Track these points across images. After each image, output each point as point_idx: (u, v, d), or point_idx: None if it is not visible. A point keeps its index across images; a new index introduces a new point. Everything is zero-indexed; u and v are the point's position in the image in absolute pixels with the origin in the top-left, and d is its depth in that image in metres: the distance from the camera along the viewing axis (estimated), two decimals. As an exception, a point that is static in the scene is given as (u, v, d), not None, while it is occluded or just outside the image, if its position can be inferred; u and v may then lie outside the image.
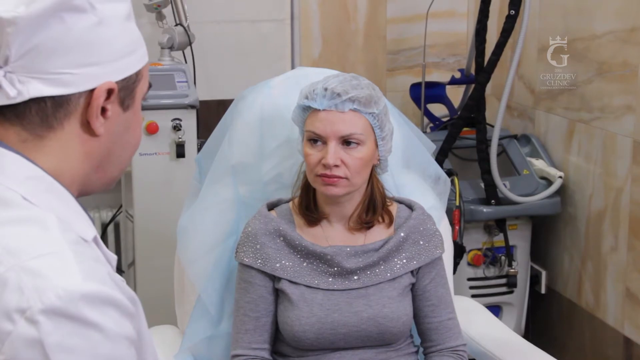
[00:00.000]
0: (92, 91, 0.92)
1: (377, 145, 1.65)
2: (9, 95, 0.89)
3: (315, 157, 1.61)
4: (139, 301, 0.91)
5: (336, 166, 1.59)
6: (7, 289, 0.81)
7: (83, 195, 0.99)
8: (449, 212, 2.46)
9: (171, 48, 2.67)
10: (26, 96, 0.89)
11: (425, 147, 1.99)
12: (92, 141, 0.95)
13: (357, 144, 1.61)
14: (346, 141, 1.60)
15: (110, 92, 0.93)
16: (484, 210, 2.64)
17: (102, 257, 0.93)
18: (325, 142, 1.61)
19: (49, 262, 0.83)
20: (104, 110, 0.94)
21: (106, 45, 0.93)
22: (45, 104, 0.90)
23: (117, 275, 0.90)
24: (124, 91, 0.96)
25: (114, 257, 0.98)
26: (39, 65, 0.89)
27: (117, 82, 0.94)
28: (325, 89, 1.60)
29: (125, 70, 0.95)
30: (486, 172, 2.63)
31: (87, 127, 0.93)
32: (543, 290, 2.84)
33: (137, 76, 0.97)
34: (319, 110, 1.61)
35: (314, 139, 1.62)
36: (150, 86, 1.02)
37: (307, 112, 1.65)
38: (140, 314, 0.92)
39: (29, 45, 0.88)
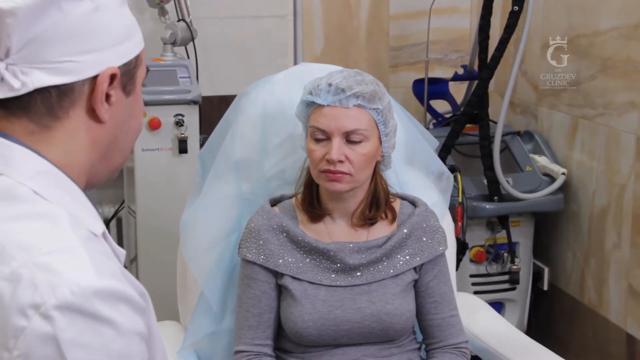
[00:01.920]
0: (95, 78, 0.92)
1: (380, 142, 1.65)
2: (13, 87, 0.89)
3: (319, 153, 1.61)
4: (149, 296, 0.92)
5: (340, 162, 1.59)
6: (20, 285, 0.81)
7: (89, 187, 0.99)
8: (452, 208, 2.45)
9: (174, 44, 2.67)
10: (30, 87, 0.89)
11: (428, 143, 1.99)
12: (98, 128, 0.95)
13: (361, 139, 1.60)
14: (350, 137, 1.60)
15: (113, 77, 0.93)
16: (487, 206, 2.64)
17: (112, 253, 0.93)
18: (329, 138, 1.61)
19: (62, 258, 0.83)
20: (108, 97, 0.94)
21: (105, 31, 0.93)
22: (50, 94, 0.90)
23: (127, 271, 0.90)
24: (126, 76, 0.96)
25: (122, 252, 0.98)
26: (40, 55, 0.89)
27: (118, 67, 0.94)
28: (330, 85, 1.60)
29: (125, 55, 0.95)
30: (489, 169, 2.62)
31: (93, 114, 0.94)
32: (545, 287, 2.84)
33: (136, 61, 0.98)
34: (323, 105, 1.61)
35: (318, 135, 1.62)
36: (147, 70, 1.02)
37: (310, 108, 1.64)
38: (150, 309, 0.92)
39: (30, 35, 0.88)
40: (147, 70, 1.02)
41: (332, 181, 1.61)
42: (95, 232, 0.91)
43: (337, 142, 1.59)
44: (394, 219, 1.72)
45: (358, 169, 1.61)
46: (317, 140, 1.62)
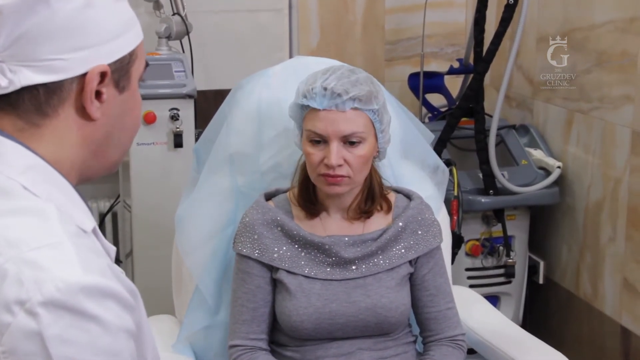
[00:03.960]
0: (84, 76, 0.91)
1: (376, 138, 1.64)
2: (1, 85, 0.88)
3: (317, 157, 1.60)
4: (139, 293, 0.91)
5: (339, 166, 1.58)
6: (6, 281, 0.80)
7: (84, 181, 0.98)
8: (447, 202, 2.46)
9: (168, 37, 2.66)
10: (17, 85, 0.88)
11: (423, 137, 1.99)
12: (89, 126, 0.93)
13: (359, 142, 1.60)
14: (348, 140, 1.59)
15: (103, 75, 0.92)
16: (482, 200, 2.64)
17: (101, 249, 0.92)
18: (326, 142, 1.59)
19: (49, 254, 0.82)
20: (99, 94, 0.92)
21: (95, 28, 0.91)
22: (38, 92, 0.89)
23: (117, 267, 0.89)
24: (118, 73, 0.94)
25: (112, 249, 0.97)
26: (28, 52, 0.88)
27: (109, 65, 0.92)
28: (325, 89, 1.58)
29: (117, 52, 0.94)
30: (484, 162, 2.63)
31: (83, 112, 0.92)
32: (541, 281, 2.84)
33: (130, 57, 0.96)
34: (319, 109, 1.59)
35: (315, 139, 1.60)
36: (147, 65, 1.00)
37: (305, 110, 1.63)
38: (140, 306, 0.91)
39: (17, 33, 0.87)
40: (147, 64, 1.00)
41: (332, 185, 1.60)
42: (84, 229, 0.90)
43: (335, 146, 1.58)
44: (389, 210, 1.72)
45: (357, 171, 1.61)
46: (314, 144, 1.61)
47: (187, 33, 2.70)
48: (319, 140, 1.60)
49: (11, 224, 0.84)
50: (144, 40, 1.00)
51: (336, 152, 1.57)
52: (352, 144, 1.59)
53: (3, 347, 0.79)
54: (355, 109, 1.58)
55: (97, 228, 0.94)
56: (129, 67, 0.96)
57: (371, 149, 1.62)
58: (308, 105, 1.61)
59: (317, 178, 1.62)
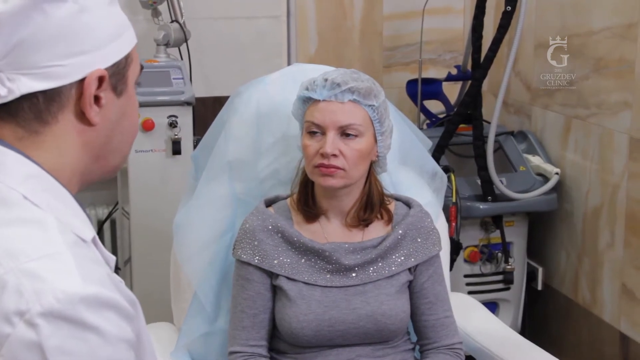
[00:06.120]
0: (82, 81, 0.91)
1: (376, 141, 1.65)
2: (0, 94, 0.88)
3: (314, 148, 1.61)
4: (138, 303, 0.90)
5: (334, 156, 1.59)
6: (6, 292, 0.80)
7: (85, 186, 0.98)
8: (446, 208, 2.46)
9: (167, 45, 2.66)
10: (17, 94, 0.88)
11: (421, 143, 1.99)
12: (89, 131, 0.93)
13: (356, 135, 1.61)
14: (345, 132, 1.61)
15: (101, 79, 0.92)
16: (481, 206, 2.64)
17: (101, 258, 0.92)
18: (324, 133, 1.61)
19: (48, 265, 0.82)
20: (97, 99, 0.92)
21: (91, 33, 0.91)
22: (37, 100, 0.89)
23: (116, 277, 0.89)
24: (116, 77, 0.94)
25: (112, 258, 0.97)
26: (26, 60, 0.88)
27: (106, 69, 0.92)
28: (326, 80, 1.61)
29: (113, 55, 0.94)
30: (483, 169, 2.63)
31: (83, 117, 0.92)
32: (539, 287, 2.84)
33: (126, 60, 0.96)
34: (319, 101, 1.61)
35: (313, 130, 1.62)
36: (142, 68, 1.01)
37: (307, 104, 1.65)
38: (139, 316, 0.91)
39: (14, 41, 0.87)
40: (142, 68, 1.01)
41: (326, 176, 1.61)
42: (84, 238, 0.90)
43: (331, 136, 1.60)
44: (389, 220, 1.72)
45: (352, 165, 1.61)
46: (312, 135, 1.62)
47: (186, 40, 2.71)
48: (317, 131, 1.61)
49: (11, 235, 0.84)
50: (143, 48, 1.00)
51: (332, 141, 1.59)
52: (349, 137, 1.60)
53: (3, 357, 0.79)
54: (354, 101, 1.60)
55: (97, 237, 0.94)
56: (125, 70, 0.96)
57: (368, 146, 1.63)
58: (309, 98, 1.63)
59: (312, 171, 1.63)
